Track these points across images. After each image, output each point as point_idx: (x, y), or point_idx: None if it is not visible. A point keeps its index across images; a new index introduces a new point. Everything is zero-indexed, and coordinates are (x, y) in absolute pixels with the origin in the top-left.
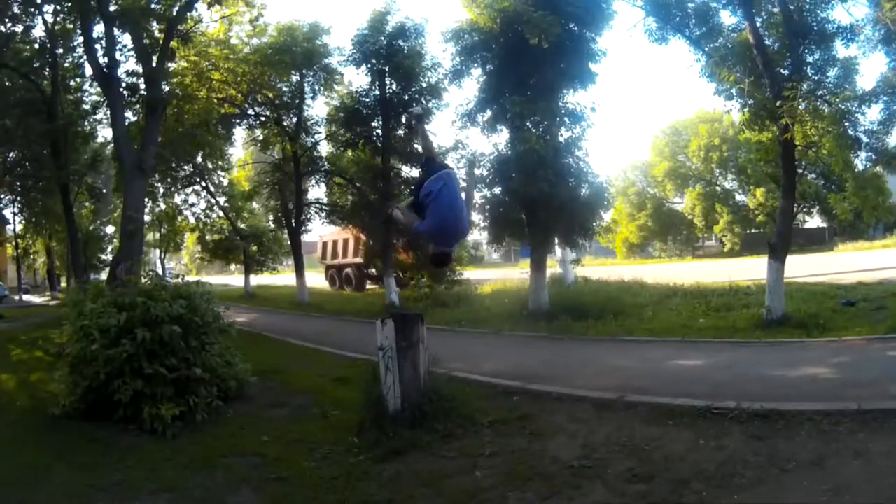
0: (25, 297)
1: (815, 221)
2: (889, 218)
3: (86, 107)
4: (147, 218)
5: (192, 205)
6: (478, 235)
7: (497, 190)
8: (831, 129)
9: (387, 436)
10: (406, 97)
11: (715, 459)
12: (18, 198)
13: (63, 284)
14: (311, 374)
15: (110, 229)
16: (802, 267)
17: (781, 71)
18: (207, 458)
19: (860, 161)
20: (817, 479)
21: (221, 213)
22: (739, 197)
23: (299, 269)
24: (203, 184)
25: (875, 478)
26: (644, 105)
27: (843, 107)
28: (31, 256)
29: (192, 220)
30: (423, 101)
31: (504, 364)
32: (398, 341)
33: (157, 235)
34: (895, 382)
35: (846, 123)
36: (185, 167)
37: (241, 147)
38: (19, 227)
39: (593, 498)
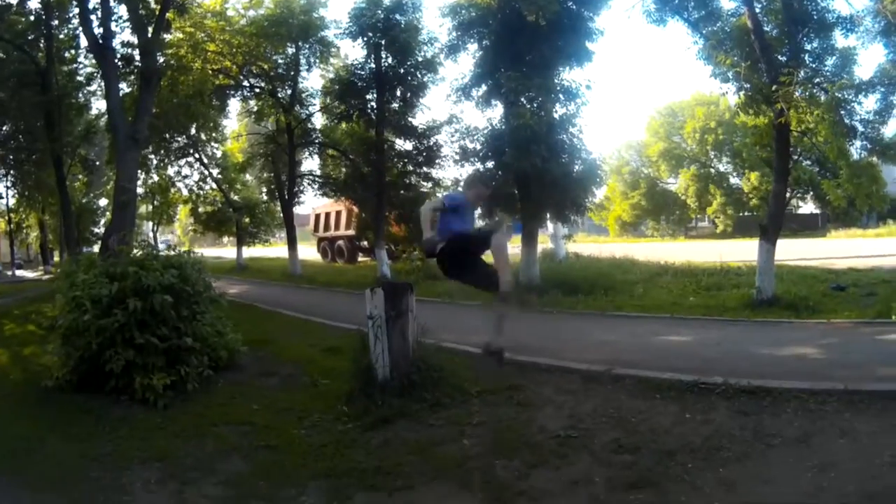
0: (18, 273)
1: (808, 208)
2: (882, 207)
3: (80, 78)
4: (140, 190)
5: (185, 177)
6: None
7: (490, 164)
8: (827, 117)
9: (375, 404)
10: (402, 71)
11: (701, 433)
12: (11, 171)
13: (56, 259)
14: (301, 344)
15: (103, 202)
16: (794, 251)
17: (779, 57)
18: (198, 426)
19: (855, 149)
20: (803, 455)
21: (214, 185)
22: (734, 180)
23: (291, 242)
24: (196, 155)
25: (860, 457)
26: (641, 85)
27: (839, 95)
28: (24, 231)
29: (184, 192)
30: (419, 75)
31: (492, 336)
32: (387, 310)
33: (150, 208)
34: (883, 365)
35: (842, 112)
36: (179, 139)
37: (235, 119)
38: (12, 202)
39: (579, 467)
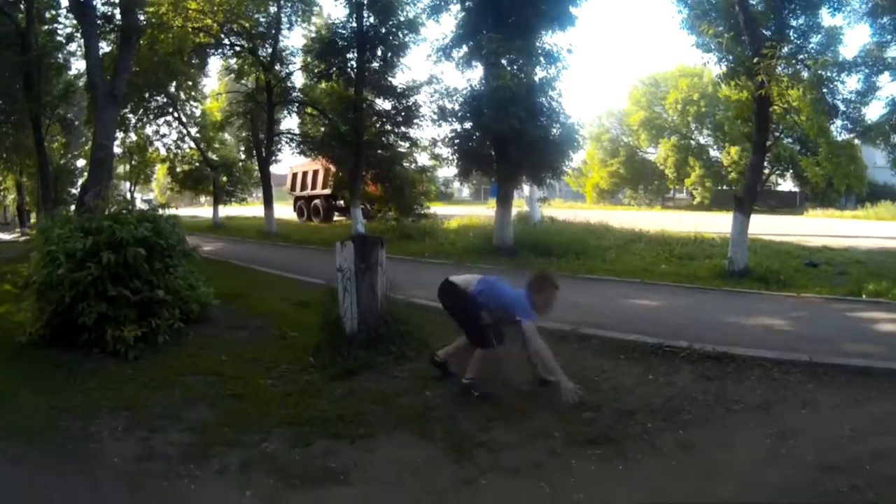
0: None
1: (787, 185)
2: (860, 188)
3: (60, 38)
4: (118, 150)
5: (164, 136)
6: (447, 171)
7: (468, 125)
8: (809, 95)
9: (342, 356)
10: (383, 30)
11: (663, 394)
12: None
13: (33, 220)
14: (273, 298)
15: (81, 163)
16: (770, 226)
17: (763, 31)
18: (167, 377)
19: (836, 129)
20: (763, 422)
21: (192, 144)
22: (713, 153)
23: (267, 200)
24: (175, 114)
25: (821, 428)
26: (625, 54)
27: (822, 73)
28: (1, 193)
29: (163, 151)
30: (401, 35)
31: None
32: (357, 263)
33: (128, 168)
34: (850, 341)
35: (825, 90)
36: (158, 98)
37: (215, 78)
38: None
39: (540, 422)
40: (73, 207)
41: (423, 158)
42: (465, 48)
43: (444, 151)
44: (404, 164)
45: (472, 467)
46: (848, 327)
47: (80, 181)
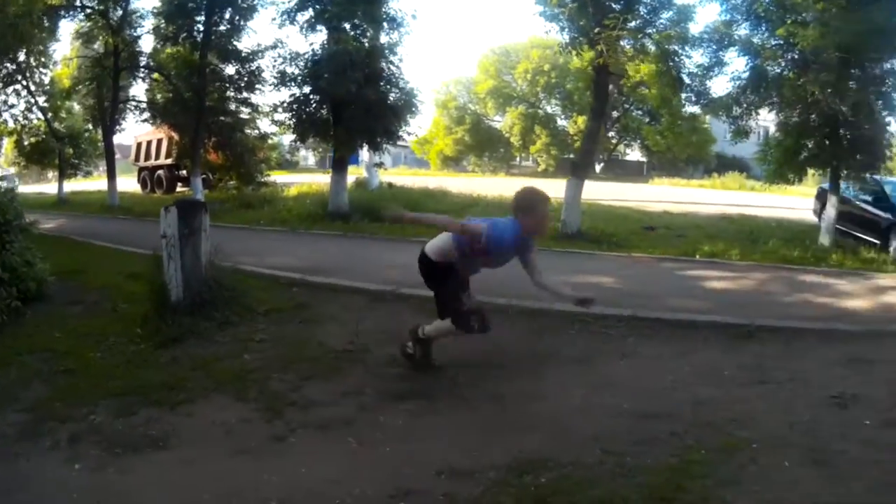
0: None
1: (636, 155)
2: (707, 157)
3: None
4: None
5: (12, 106)
6: (292, 138)
7: (307, 89)
8: (656, 67)
9: (167, 324)
10: None
11: (477, 349)
12: None
13: None
14: (109, 272)
15: None
16: (614, 193)
17: (613, 5)
18: (4, 357)
19: (681, 101)
20: (579, 374)
21: (40, 115)
22: (561, 122)
23: (111, 172)
24: (24, 83)
25: (640, 379)
26: (480, 24)
27: (668, 47)
28: None
29: (11, 123)
30: None
31: (292, 259)
32: (180, 229)
33: None
34: (675, 296)
35: (671, 63)
36: (7, 65)
37: (67, 42)
38: None
39: (352, 380)
40: None
41: (265, 125)
42: (309, 11)
43: (284, 117)
44: (246, 131)
45: (282, 425)
46: (677, 284)
47: None
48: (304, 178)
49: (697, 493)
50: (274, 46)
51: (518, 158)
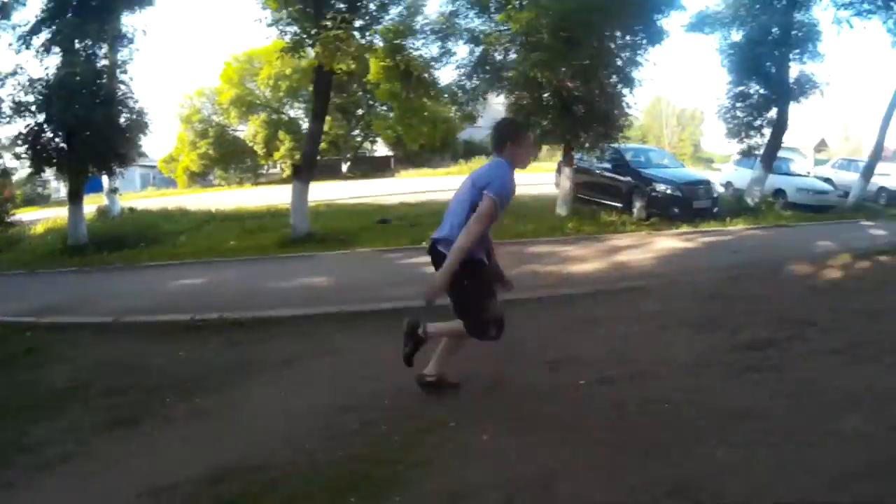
0: None
1: (383, 150)
2: (454, 145)
3: None
4: None
5: None
6: (47, 173)
7: (41, 117)
8: (383, 63)
9: None
10: None
11: (188, 368)
12: None
13: None
14: None
15: None
16: (357, 190)
17: (338, 4)
18: None
19: (410, 93)
20: (282, 378)
21: None
22: (305, 125)
23: None
24: None
25: (341, 373)
26: (224, 33)
27: (396, 42)
28: None
29: None
30: None
31: (28, 303)
32: None
33: None
34: (391, 286)
35: (398, 58)
36: None
37: None
38: None
39: (71, 416)
40: None
41: (8, 161)
42: (45, 33)
43: (22, 150)
44: None
45: (11, 473)
46: (393, 273)
47: None
48: (54, 211)
49: (386, 479)
50: (14, 73)
51: (266, 167)
